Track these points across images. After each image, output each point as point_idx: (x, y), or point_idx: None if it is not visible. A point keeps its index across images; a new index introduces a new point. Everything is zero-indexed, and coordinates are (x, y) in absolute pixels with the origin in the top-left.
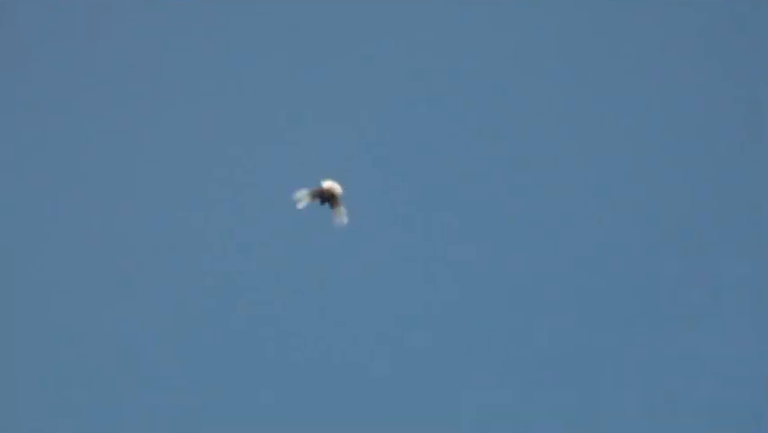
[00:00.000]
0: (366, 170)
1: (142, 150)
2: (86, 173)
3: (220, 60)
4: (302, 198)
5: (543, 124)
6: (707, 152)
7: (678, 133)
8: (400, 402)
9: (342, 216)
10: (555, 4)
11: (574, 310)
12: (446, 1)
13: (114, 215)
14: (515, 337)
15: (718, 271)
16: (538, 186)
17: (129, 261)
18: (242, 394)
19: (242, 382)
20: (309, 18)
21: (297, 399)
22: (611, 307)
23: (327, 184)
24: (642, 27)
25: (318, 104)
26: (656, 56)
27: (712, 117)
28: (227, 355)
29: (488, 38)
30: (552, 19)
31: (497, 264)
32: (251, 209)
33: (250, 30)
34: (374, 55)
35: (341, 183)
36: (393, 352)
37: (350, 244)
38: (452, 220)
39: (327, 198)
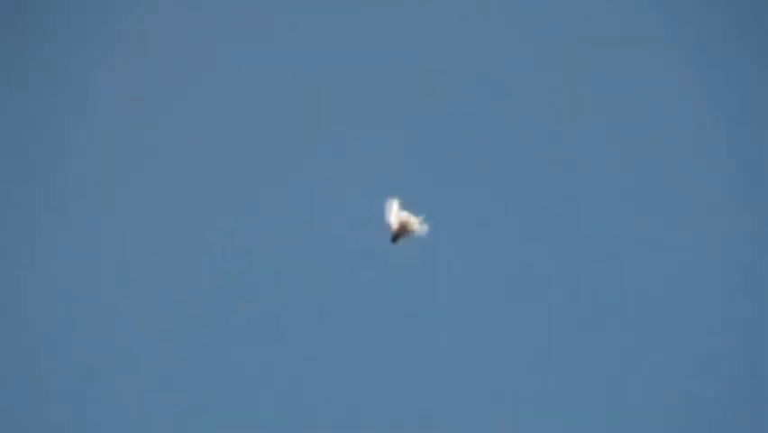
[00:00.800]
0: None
1: (143, 150)
2: (87, 173)
3: (218, 59)
4: (394, 216)
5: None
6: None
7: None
8: (401, 402)
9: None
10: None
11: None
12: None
13: (115, 215)
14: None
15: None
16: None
17: (129, 261)
18: (241, 394)
19: (242, 382)
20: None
21: (296, 399)
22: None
23: (405, 218)
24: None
25: (318, 103)
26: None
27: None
28: (227, 355)
29: (539, 41)
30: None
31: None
32: (252, 210)
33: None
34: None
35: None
36: (393, 351)
37: (349, 244)
38: (451, 220)
39: (404, 232)
